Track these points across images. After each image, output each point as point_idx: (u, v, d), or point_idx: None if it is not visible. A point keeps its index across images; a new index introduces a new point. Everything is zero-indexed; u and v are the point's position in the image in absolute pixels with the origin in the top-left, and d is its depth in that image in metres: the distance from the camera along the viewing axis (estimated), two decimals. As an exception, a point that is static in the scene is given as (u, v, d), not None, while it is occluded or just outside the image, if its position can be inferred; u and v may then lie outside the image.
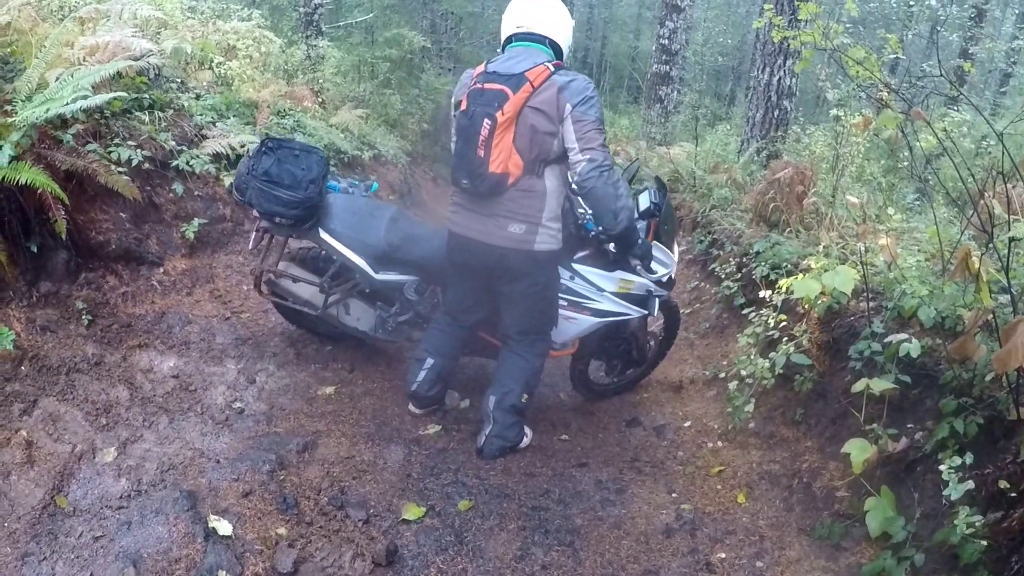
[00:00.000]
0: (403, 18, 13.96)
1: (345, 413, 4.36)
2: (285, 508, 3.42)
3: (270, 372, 4.63)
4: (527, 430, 4.24)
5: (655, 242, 4.21)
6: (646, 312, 4.41)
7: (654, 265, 4.14)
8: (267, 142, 4.18)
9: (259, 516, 3.34)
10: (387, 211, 4.43)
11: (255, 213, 4.19)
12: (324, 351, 4.96)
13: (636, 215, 4.06)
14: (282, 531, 3.29)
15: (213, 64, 7.05)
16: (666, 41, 13.33)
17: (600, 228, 3.91)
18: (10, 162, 3.89)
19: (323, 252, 4.55)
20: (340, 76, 9.85)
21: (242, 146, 5.84)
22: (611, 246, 4.09)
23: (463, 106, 3.58)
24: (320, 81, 9.11)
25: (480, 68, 3.65)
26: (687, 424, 4.60)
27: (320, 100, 8.66)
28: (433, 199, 10.14)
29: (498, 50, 3.81)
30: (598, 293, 4.21)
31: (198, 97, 6.33)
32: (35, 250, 4.16)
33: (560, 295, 4.12)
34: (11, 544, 2.99)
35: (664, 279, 4.33)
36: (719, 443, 4.32)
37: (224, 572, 3.01)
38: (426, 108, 11.68)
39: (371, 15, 13.32)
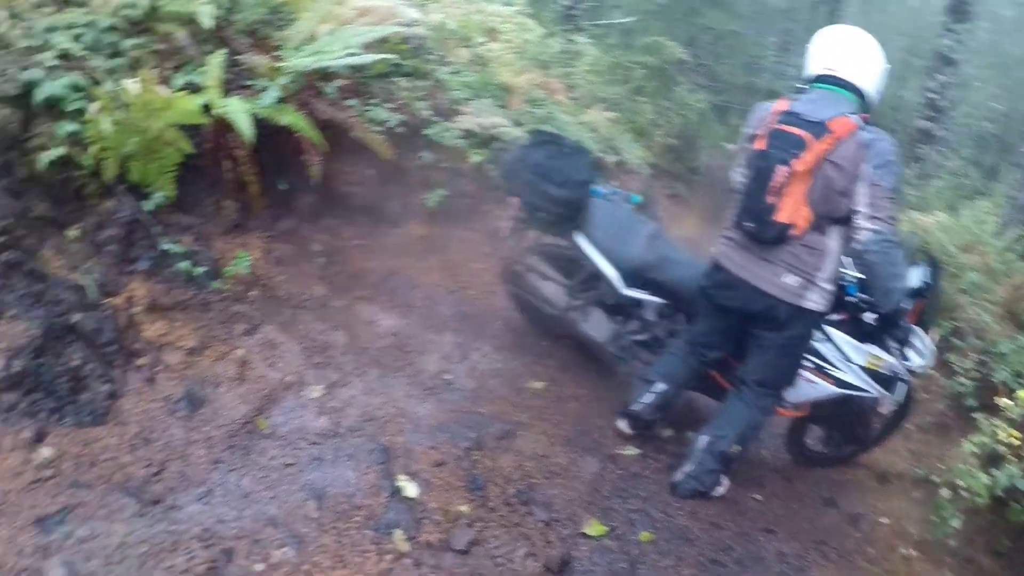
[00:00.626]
0: (663, 26, 13.68)
1: (549, 411, 4.23)
2: (473, 488, 3.37)
3: (484, 353, 4.57)
4: (725, 480, 3.97)
5: (918, 328, 3.84)
6: (888, 394, 4.02)
7: (910, 352, 3.81)
8: (540, 135, 4.18)
9: (446, 488, 3.31)
10: (647, 227, 4.28)
11: (513, 203, 4.17)
12: (540, 345, 4.85)
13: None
14: (464, 509, 3.24)
15: (473, 43, 7.11)
16: (934, 95, 12.27)
17: (861, 297, 3.69)
18: (275, 103, 4.06)
19: (574, 255, 4.43)
20: (594, 75, 9.69)
21: (493, 127, 5.84)
22: (868, 316, 3.76)
23: (759, 144, 3.36)
24: (574, 76, 9.01)
25: (780, 105, 3.41)
26: (884, 520, 4.19)
27: (572, 96, 8.54)
28: (669, 216, 9.84)
29: (799, 86, 3.57)
30: (845, 363, 3.89)
31: (456, 73, 6.37)
32: (284, 188, 4.32)
33: (807, 355, 3.84)
34: (206, 448, 3.09)
35: (916, 369, 3.95)
36: (912, 551, 3.92)
37: (400, 532, 3.00)
38: (674, 122, 11.33)
39: (632, 18, 13.22)
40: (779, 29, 20.34)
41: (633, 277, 4.14)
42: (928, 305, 3.89)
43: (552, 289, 4.53)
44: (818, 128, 3.17)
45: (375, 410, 3.68)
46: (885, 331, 3.71)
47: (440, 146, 5.48)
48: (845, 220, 3.31)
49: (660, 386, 3.98)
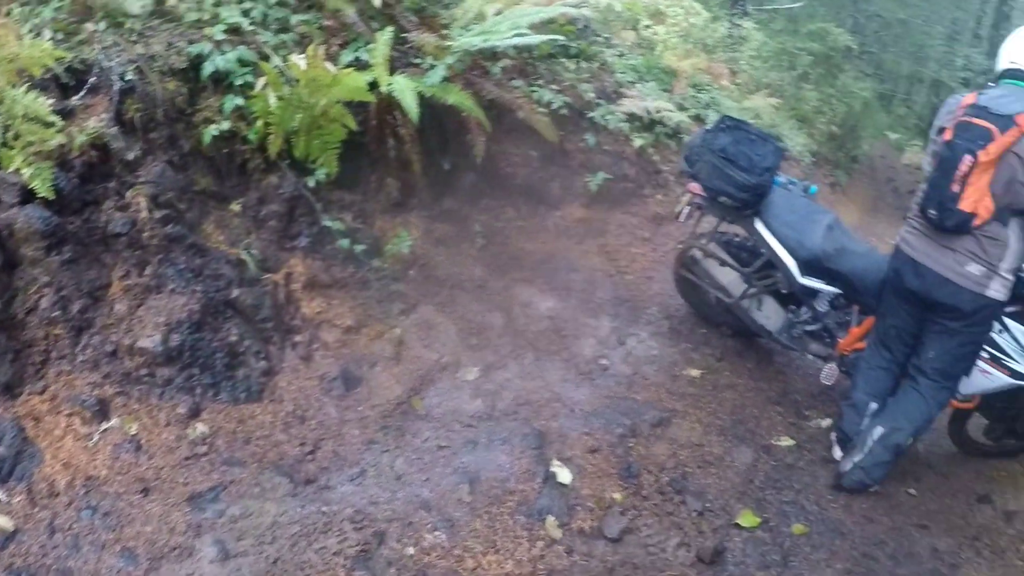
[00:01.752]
0: (829, 12, 13.36)
1: (705, 399, 4.18)
2: (626, 475, 3.34)
3: (641, 338, 4.51)
4: None
5: None
6: None
7: None
8: (726, 120, 4.17)
9: (599, 475, 3.29)
10: (825, 217, 4.26)
11: (692, 187, 4.19)
12: (698, 333, 4.78)
13: None
14: (617, 496, 3.21)
15: (639, 26, 7.07)
16: None
17: None
18: (441, 81, 4.05)
19: (750, 243, 4.45)
20: (759, 60, 9.52)
21: (657, 111, 5.76)
22: None
23: (947, 136, 3.43)
24: (739, 61, 8.90)
25: (969, 99, 3.47)
26: None
27: (736, 81, 8.45)
28: (828, 205, 9.46)
29: (989, 83, 3.59)
30: (1022, 354, 3.79)
31: (621, 55, 6.33)
32: (447, 168, 4.33)
33: (984, 346, 3.78)
34: (360, 428, 3.13)
35: None
36: None
37: (553, 518, 2.98)
38: (838, 110, 11.03)
39: (799, 3, 12.84)
40: (947, 18, 19.51)
41: (810, 266, 4.10)
42: None
43: (728, 275, 4.50)
44: (1005, 121, 3.23)
45: (530, 394, 3.67)
46: None
47: (604, 129, 5.42)
48: None
49: (873, 406, 3.94)
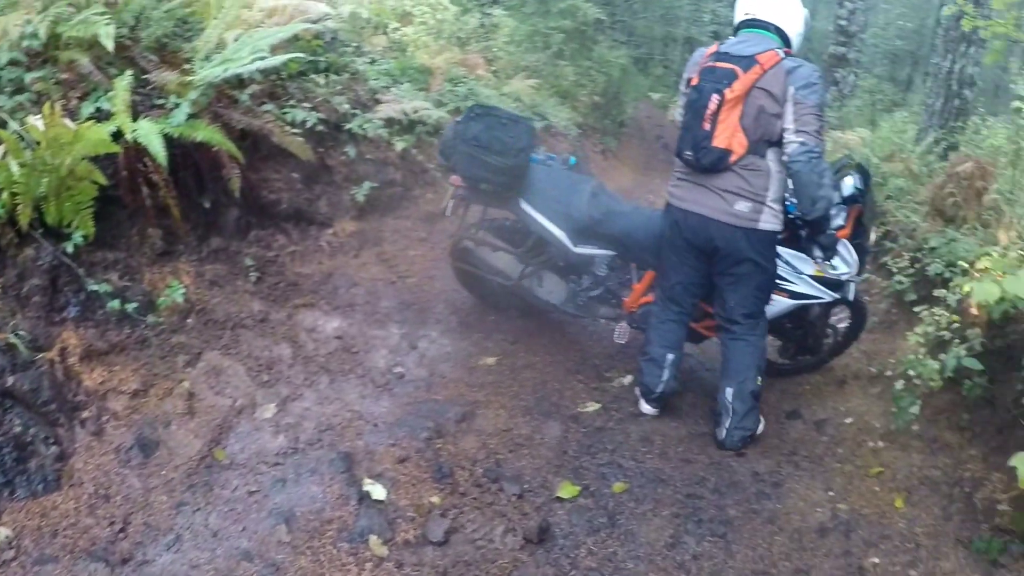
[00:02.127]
0: None
1: (505, 385, 4.28)
2: (440, 477, 3.40)
3: (432, 339, 4.59)
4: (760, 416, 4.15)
5: (847, 241, 4.13)
6: (838, 296, 4.27)
7: (836, 260, 4.07)
8: (475, 108, 4.27)
9: (413, 483, 3.33)
10: (588, 184, 4.43)
11: (453, 180, 4.27)
12: (487, 321, 4.90)
13: (839, 200, 4.05)
14: (435, 500, 3.26)
15: (388, 30, 7.12)
16: (844, 22, 13.08)
17: (798, 214, 3.91)
18: (187, 119, 3.96)
19: (518, 224, 4.55)
20: (513, 45, 9.79)
21: (415, 112, 5.84)
22: (804, 231, 4.03)
23: (694, 82, 3.72)
24: (493, 50, 9.10)
25: (712, 48, 3.78)
26: (848, 421, 4.36)
27: (493, 69, 8.63)
28: (602, 172, 9.93)
29: (730, 35, 3.92)
30: (796, 275, 4.13)
31: (373, 62, 6.36)
32: (207, 206, 4.24)
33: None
34: (167, 492, 3.04)
35: (842, 278, 4.19)
36: (880, 443, 4.07)
37: (375, 536, 3.00)
38: (598, 80, 11.57)
39: None
40: (692, -22, 20.74)
41: (583, 234, 4.27)
42: (865, 209, 4.19)
43: (504, 260, 4.62)
44: (747, 61, 3.54)
45: (331, 418, 3.68)
46: (812, 239, 3.95)
47: (363, 138, 5.45)
48: (781, 142, 3.61)
49: (670, 356, 4.12)
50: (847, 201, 4.09)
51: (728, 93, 3.52)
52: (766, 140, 3.62)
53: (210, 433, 3.35)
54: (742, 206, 3.68)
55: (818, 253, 4.02)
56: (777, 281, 4.05)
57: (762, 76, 3.53)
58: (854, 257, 4.19)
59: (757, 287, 3.90)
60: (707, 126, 3.58)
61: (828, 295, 4.19)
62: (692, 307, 4.16)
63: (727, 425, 3.95)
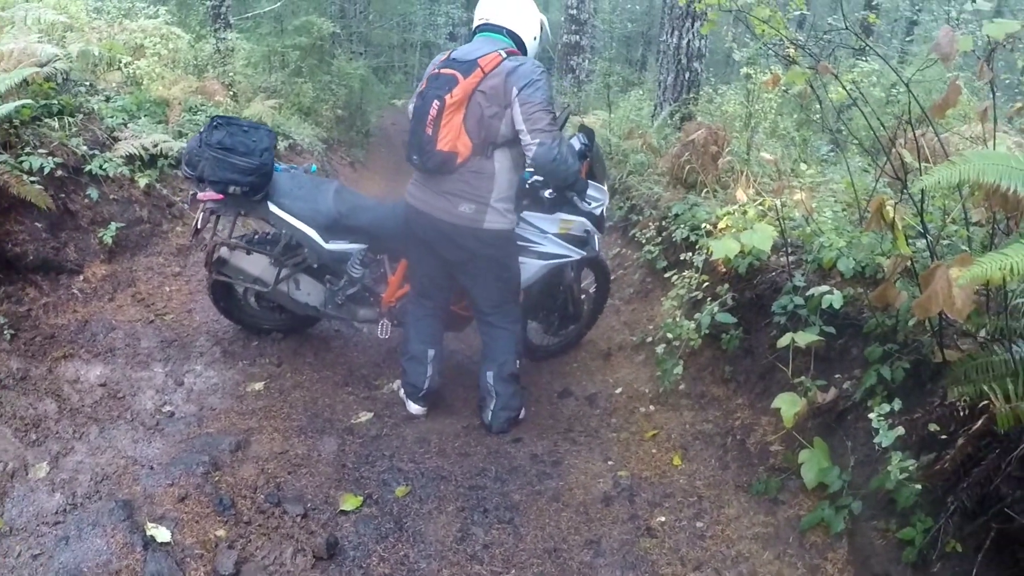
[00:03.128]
0: (312, 5, 13.94)
1: (276, 408, 4.35)
2: (222, 509, 3.41)
3: (198, 372, 4.62)
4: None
5: (589, 181, 4.43)
6: (585, 253, 4.59)
7: (589, 197, 4.37)
8: (216, 119, 4.29)
9: (197, 520, 3.33)
10: (330, 185, 4.58)
11: (200, 196, 4.24)
12: (251, 347, 4.95)
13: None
14: (221, 533, 3.28)
15: (122, 64, 6.95)
16: (574, 11, 13.59)
17: (536, 179, 4.20)
18: (-83, 179, 3.83)
19: (270, 233, 4.65)
20: (251, 68, 9.77)
21: (155, 146, 5.80)
22: (547, 193, 4.28)
23: (421, 87, 3.84)
24: (231, 74, 9.03)
25: (445, 55, 3.91)
26: (618, 391, 4.65)
27: (232, 93, 8.59)
28: (352, 183, 10.06)
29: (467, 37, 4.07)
30: (542, 236, 4.39)
31: (108, 99, 6.25)
32: (-52, 272, 4.09)
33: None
34: None
35: (599, 211, 4.54)
36: (651, 407, 4.36)
37: None
38: (339, 94, 11.69)
39: (279, 4, 13.22)
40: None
41: (332, 230, 4.42)
42: (593, 162, 4.54)
43: (260, 265, 4.68)
44: (469, 66, 3.70)
45: (105, 468, 3.63)
46: (567, 191, 4.24)
47: (105, 178, 5.37)
48: (510, 143, 3.82)
49: (431, 352, 4.32)
50: (579, 157, 4.39)
51: (448, 99, 3.64)
52: (491, 142, 3.77)
53: (-17, 504, 3.24)
54: (465, 207, 3.84)
55: (576, 200, 4.32)
56: (525, 244, 4.32)
57: (483, 79, 3.66)
58: (603, 191, 4.58)
59: (497, 279, 4.12)
60: (430, 131, 3.70)
61: (575, 252, 4.52)
62: (444, 300, 4.38)
63: (492, 407, 4.21)
